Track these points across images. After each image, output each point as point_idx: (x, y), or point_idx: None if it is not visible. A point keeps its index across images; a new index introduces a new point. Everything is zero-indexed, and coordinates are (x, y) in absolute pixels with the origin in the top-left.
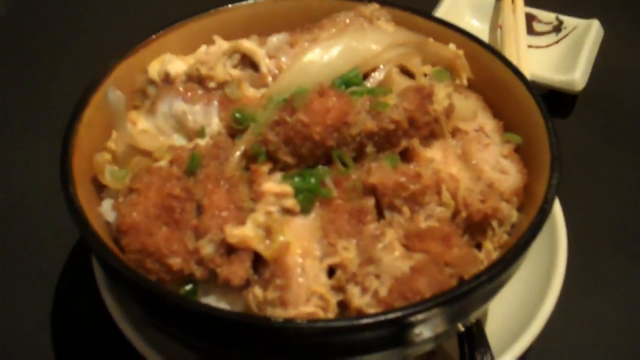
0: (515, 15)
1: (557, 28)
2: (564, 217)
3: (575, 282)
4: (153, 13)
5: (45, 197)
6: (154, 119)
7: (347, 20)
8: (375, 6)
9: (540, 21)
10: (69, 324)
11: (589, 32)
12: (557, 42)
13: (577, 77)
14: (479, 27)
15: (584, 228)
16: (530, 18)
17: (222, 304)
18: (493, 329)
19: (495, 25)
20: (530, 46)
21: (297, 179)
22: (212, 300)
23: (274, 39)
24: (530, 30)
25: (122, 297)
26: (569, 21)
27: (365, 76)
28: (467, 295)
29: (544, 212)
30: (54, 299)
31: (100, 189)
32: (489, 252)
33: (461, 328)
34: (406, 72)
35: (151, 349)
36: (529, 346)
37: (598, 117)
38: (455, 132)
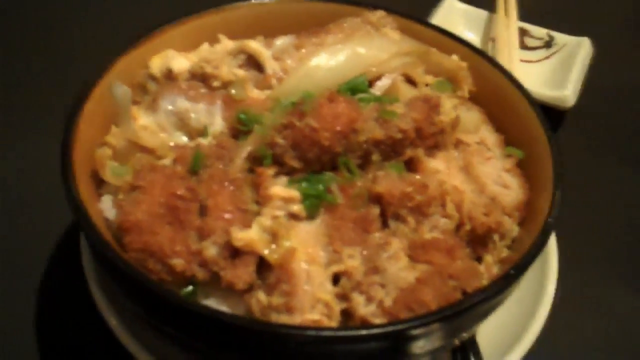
0: (509, 29)
1: (548, 44)
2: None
3: (566, 295)
4: (155, 8)
5: (29, 194)
6: (155, 116)
7: (354, 26)
8: (381, 13)
9: (532, 36)
10: (56, 321)
11: (579, 50)
12: (547, 57)
13: (568, 93)
14: (472, 39)
15: (575, 241)
16: (522, 32)
17: (223, 308)
18: (485, 342)
19: (487, 37)
20: (521, 60)
21: (304, 185)
22: (212, 303)
23: (280, 41)
24: (522, 45)
25: (119, 295)
26: (559, 37)
27: (371, 83)
28: (473, 308)
29: (547, 230)
30: (39, 294)
31: (98, 185)
32: (490, 265)
33: (457, 342)
34: (409, 82)
35: (141, 348)
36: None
37: (586, 133)
38: (457, 144)
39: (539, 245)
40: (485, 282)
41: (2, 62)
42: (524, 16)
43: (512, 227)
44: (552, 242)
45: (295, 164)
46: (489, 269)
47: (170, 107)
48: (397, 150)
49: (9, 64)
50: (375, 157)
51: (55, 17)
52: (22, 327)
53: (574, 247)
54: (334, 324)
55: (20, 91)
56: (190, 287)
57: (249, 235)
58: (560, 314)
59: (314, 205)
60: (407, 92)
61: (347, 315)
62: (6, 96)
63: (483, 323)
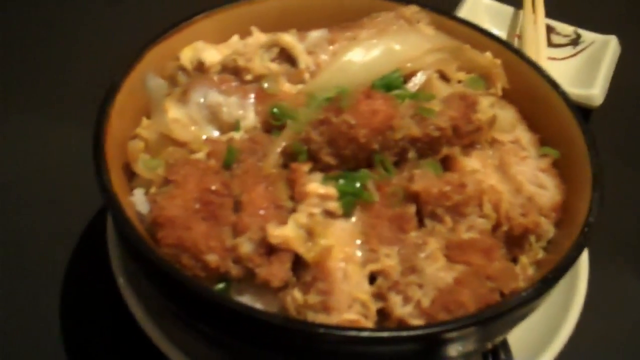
0: (537, 26)
1: (575, 41)
2: None
3: (596, 300)
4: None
5: (55, 184)
6: (186, 108)
7: (388, 21)
8: (415, 8)
9: (558, 33)
10: (81, 315)
11: (607, 48)
12: (573, 55)
13: (596, 92)
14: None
15: (603, 243)
16: (549, 29)
17: (258, 305)
18: (515, 343)
19: (512, 34)
20: (547, 58)
21: (341, 182)
22: (246, 300)
23: (313, 35)
24: (548, 42)
25: (151, 291)
26: (587, 35)
27: (405, 80)
28: (512, 311)
29: (587, 232)
30: (64, 288)
31: (128, 178)
32: (525, 267)
33: (490, 345)
34: (442, 78)
35: (169, 343)
36: None
37: (613, 132)
38: (492, 143)
39: (579, 248)
40: (521, 283)
41: (36, 53)
42: (550, 13)
43: (548, 229)
44: None
45: (330, 160)
46: (524, 270)
47: (201, 100)
48: (433, 148)
49: (43, 55)
50: (411, 154)
51: (89, 5)
52: (47, 320)
53: (603, 249)
54: (370, 324)
55: (54, 82)
56: (223, 284)
57: (285, 232)
58: (590, 315)
59: (350, 203)
60: (442, 89)
61: (382, 315)
62: (40, 87)
63: None
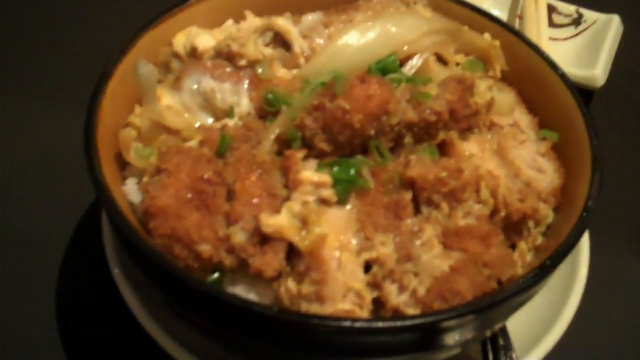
0: (538, 6)
1: (577, 21)
2: None
3: (597, 284)
4: None
5: (48, 174)
6: (179, 95)
7: (384, 3)
8: None
9: (559, 13)
10: (77, 306)
11: (609, 27)
12: (575, 35)
13: (598, 72)
14: (498, 16)
15: (604, 227)
16: (550, 9)
17: (251, 295)
18: (515, 330)
19: (514, 15)
20: (548, 38)
21: (336, 169)
22: (240, 291)
23: (309, 18)
24: (549, 22)
25: (143, 282)
26: (588, 15)
27: (401, 63)
28: (509, 299)
29: (587, 217)
30: (60, 279)
31: (121, 167)
32: (524, 253)
33: (489, 332)
34: (439, 60)
35: (165, 333)
36: (552, 348)
37: (615, 113)
38: (490, 126)
39: (578, 233)
40: (519, 270)
41: (25, 41)
42: None
43: (547, 214)
44: None
45: (325, 146)
46: (523, 256)
47: (195, 87)
48: (430, 132)
49: (33, 43)
50: (408, 140)
51: None
52: (43, 312)
53: (604, 233)
54: (365, 313)
55: (45, 70)
56: (216, 274)
57: (279, 221)
58: (590, 301)
59: (345, 190)
60: (439, 72)
61: (378, 304)
62: (30, 76)
63: None
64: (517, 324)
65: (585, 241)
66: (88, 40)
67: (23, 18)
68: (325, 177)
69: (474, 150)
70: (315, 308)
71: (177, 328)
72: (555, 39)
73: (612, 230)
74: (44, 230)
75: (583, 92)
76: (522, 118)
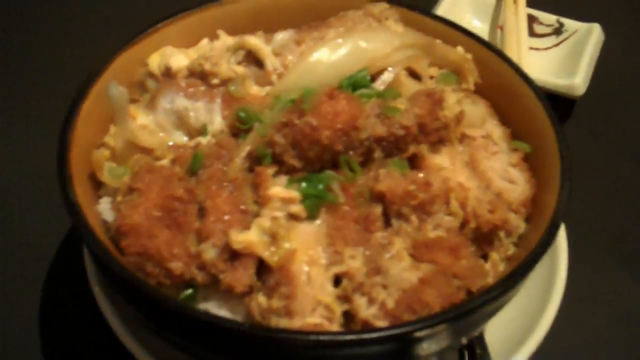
0: (517, 16)
1: (558, 30)
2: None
3: (576, 290)
4: (154, 3)
5: (33, 192)
6: (154, 115)
7: (356, 19)
8: (384, 5)
9: (540, 23)
10: (59, 324)
11: (590, 36)
12: (557, 44)
13: (578, 81)
14: (479, 27)
15: (583, 234)
16: (531, 19)
17: (223, 311)
18: (493, 338)
19: (495, 25)
20: (530, 48)
21: (304, 184)
22: (212, 307)
23: (280, 36)
24: (531, 32)
25: (119, 300)
26: (569, 24)
27: (373, 78)
28: (478, 309)
29: (554, 226)
30: (43, 297)
31: (96, 186)
32: (496, 263)
33: (464, 341)
34: (413, 75)
35: (144, 351)
36: (530, 355)
37: (597, 122)
38: (462, 138)
39: (546, 243)
40: (491, 280)
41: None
42: (532, 2)
43: (518, 224)
44: (562, 236)
45: (295, 162)
46: (495, 267)
47: (168, 106)
48: (399, 146)
49: (4, 64)
50: (378, 154)
51: (51, 15)
52: (25, 328)
53: (583, 240)
54: (335, 327)
55: (17, 91)
56: (189, 290)
57: (248, 238)
58: (569, 307)
59: (315, 205)
60: (410, 86)
61: (348, 317)
62: (1, 96)
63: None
64: (497, 331)
65: (563, 248)
66: (64, 59)
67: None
68: (293, 193)
69: (444, 163)
70: (284, 322)
71: (154, 344)
72: (536, 49)
73: (592, 237)
74: (26, 252)
75: (564, 101)
76: (495, 130)
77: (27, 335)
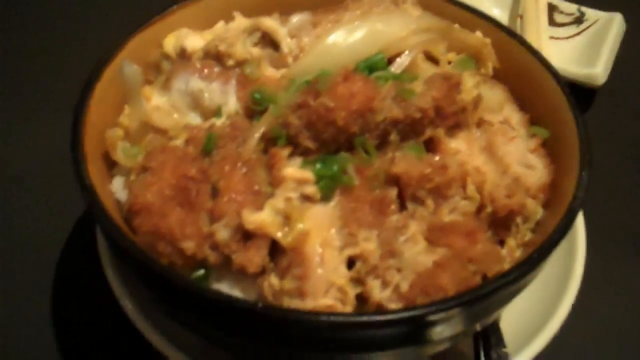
0: (537, 4)
1: (579, 20)
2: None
3: (593, 281)
4: None
5: (46, 173)
6: (168, 96)
7: (372, 2)
8: None
9: (561, 12)
10: (72, 304)
11: (611, 26)
12: (577, 34)
13: (599, 71)
14: (499, 16)
15: (601, 226)
16: (551, 8)
17: (235, 291)
18: (508, 327)
19: (515, 14)
20: (550, 37)
21: (319, 166)
22: (224, 287)
23: (296, 18)
24: (551, 21)
25: (131, 279)
26: (590, 13)
27: (390, 61)
28: (493, 294)
29: (573, 212)
30: (56, 277)
31: (110, 165)
32: (512, 249)
33: (479, 328)
34: (430, 59)
35: (156, 333)
36: (545, 346)
37: (617, 112)
38: (479, 123)
39: (564, 229)
40: (507, 266)
41: (13, 43)
42: None
43: (536, 210)
44: (580, 224)
45: (310, 144)
46: (511, 252)
47: (183, 87)
48: (416, 130)
49: (20, 45)
50: (394, 137)
51: None
52: (38, 311)
53: (602, 230)
54: (348, 309)
55: (32, 72)
56: (201, 271)
57: (261, 218)
58: (586, 297)
59: (329, 186)
60: (427, 69)
61: (362, 300)
62: (17, 78)
63: (506, 307)
64: (512, 320)
65: (581, 237)
66: (79, 43)
67: (7, 24)
68: (307, 174)
69: (461, 147)
70: (296, 303)
71: (166, 325)
72: (557, 38)
73: (611, 228)
74: (43, 232)
75: (585, 91)
76: (513, 115)
77: (41, 318)
